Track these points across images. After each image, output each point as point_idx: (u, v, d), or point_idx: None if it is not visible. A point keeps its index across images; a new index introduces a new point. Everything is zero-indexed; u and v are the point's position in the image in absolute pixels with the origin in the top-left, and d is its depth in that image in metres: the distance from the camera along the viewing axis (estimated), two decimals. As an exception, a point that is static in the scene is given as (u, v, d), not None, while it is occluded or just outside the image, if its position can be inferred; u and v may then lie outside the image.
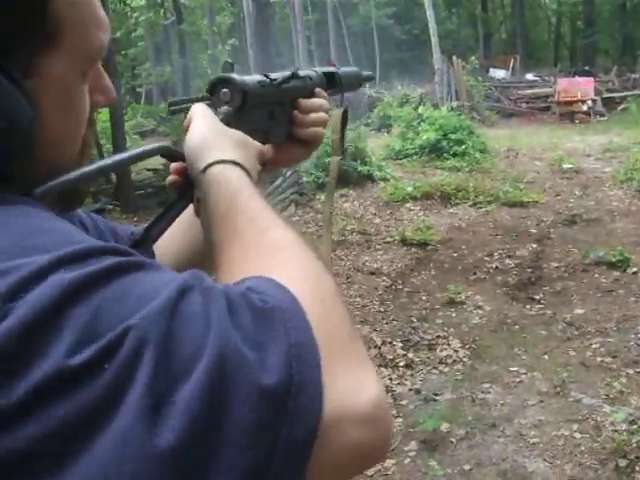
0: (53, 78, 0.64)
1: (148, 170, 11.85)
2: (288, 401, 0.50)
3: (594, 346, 5.11)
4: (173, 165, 0.87)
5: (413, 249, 8.01)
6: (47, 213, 0.59)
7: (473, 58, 24.57)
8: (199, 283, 0.54)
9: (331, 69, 1.19)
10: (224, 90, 0.92)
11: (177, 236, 1.04)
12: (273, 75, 0.99)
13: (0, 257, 0.50)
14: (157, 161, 9.20)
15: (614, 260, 6.85)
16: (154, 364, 0.47)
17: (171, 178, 0.87)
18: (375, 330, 5.63)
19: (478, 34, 41.57)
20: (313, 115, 1.05)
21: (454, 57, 21.70)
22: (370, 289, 6.72)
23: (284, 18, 39.35)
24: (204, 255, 0.87)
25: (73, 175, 0.67)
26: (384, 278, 7.05)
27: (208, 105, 0.90)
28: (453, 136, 13.71)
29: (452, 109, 17.24)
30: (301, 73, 1.06)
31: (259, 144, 0.88)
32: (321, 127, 1.06)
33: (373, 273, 7.22)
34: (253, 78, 0.96)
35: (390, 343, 5.37)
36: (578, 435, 3.93)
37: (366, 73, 1.32)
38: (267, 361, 0.50)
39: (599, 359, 4.89)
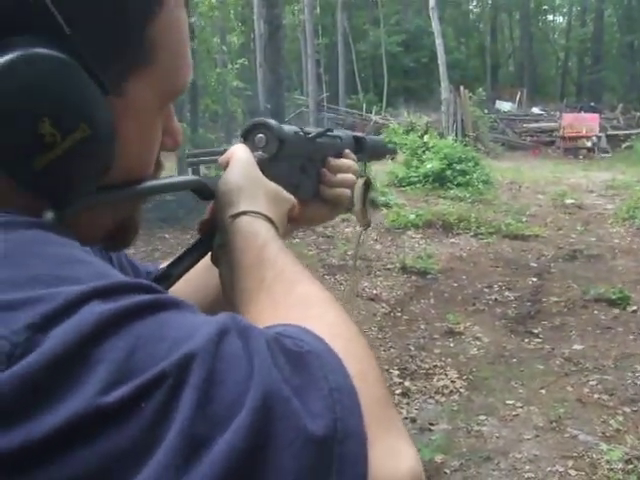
0: (135, 102, 0.62)
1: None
2: (334, 448, 0.46)
3: (591, 383, 5.09)
4: (211, 206, 0.81)
5: (413, 277, 8.00)
6: (73, 241, 0.54)
7: (480, 89, 24.68)
8: (236, 324, 0.50)
9: (359, 134, 1.17)
10: (260, 135, 0.88)
11: (193, 279, 0.97)
12: (307, 129, 0.97)
13: (37, 285, 0.46)
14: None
15: (614, 297, 6.85)
16: (194, 407, 0.44)
17: (205, 217, 0.82)
18: (373, 356, 5.61)
19: (486, 65, 41.83)
20: (341, 176, 1.02)
21: (461, 87, 21.83)
22: (369, 315, 6.70)
23: (294, 40, 39.56)
24: (217, 304, 0.83)
25: (103, 196, 0.63)
26: (383, 305, 7.03)
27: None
28: (458, 166, 13.77)
29: (457, 139, 17.32)
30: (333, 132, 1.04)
31: (293, 198, 0.84)
32: (348, 188, 1.03)
33: (372, 299, 7.20)
34: (290, 128, 0.93)
35: (387, 371, 5.35)
36: (573, 472, 3.90)
37: (390, 146, 1.31)
38: (310, 405, 0.47)
39: (596, 396, 4.87)
